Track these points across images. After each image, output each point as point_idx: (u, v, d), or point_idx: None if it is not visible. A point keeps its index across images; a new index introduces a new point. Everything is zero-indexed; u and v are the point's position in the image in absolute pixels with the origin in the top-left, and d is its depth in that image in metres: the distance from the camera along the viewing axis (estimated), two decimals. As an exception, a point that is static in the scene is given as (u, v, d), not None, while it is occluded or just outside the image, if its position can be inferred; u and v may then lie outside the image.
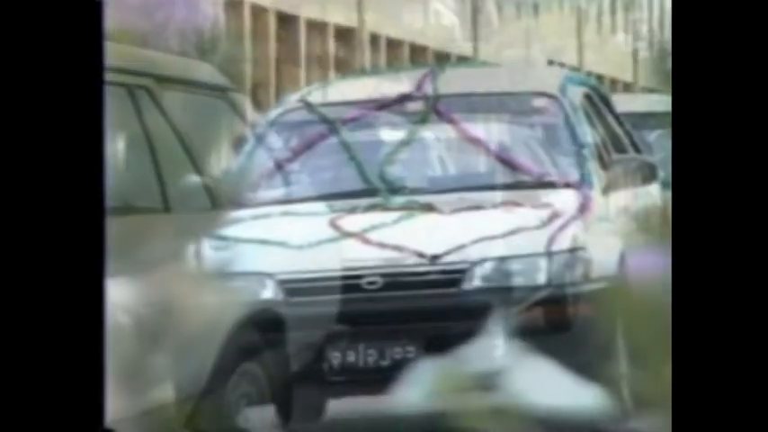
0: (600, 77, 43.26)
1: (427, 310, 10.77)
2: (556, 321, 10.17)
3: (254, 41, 39.04)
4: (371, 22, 41.94)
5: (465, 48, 43.86)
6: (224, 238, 9.88)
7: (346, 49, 41.25)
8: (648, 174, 12.80)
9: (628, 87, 45.22)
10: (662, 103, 21.42)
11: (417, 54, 41.94)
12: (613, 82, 45.97)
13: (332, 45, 41.23)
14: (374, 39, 41.95)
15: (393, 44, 43.07)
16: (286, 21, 40.31)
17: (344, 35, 41.67)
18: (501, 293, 10.52)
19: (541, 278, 10.80)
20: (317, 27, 40.60)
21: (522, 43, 43.21)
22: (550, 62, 43.01)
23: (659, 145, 18.08)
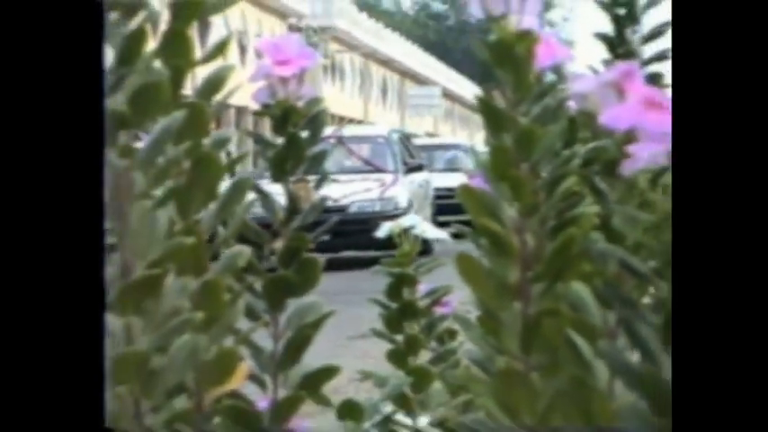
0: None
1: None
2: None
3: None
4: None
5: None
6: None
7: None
8: (420, 167, 17.30)
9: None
10: (443, 141, 24.56)
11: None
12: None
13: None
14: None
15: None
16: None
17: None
18: (362, 215, 14.90)
19: (378, 208, 15.22)
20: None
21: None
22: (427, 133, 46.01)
23: (446, 158, 21.65)
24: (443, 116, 55.32)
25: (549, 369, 1.11)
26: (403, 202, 15.75)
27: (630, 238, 1.00)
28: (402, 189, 16.02)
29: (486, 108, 1.10)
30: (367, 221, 14.29)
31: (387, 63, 49.78)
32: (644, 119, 1.00)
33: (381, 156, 16.73)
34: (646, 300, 1.05)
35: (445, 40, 67.02)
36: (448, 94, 55.69)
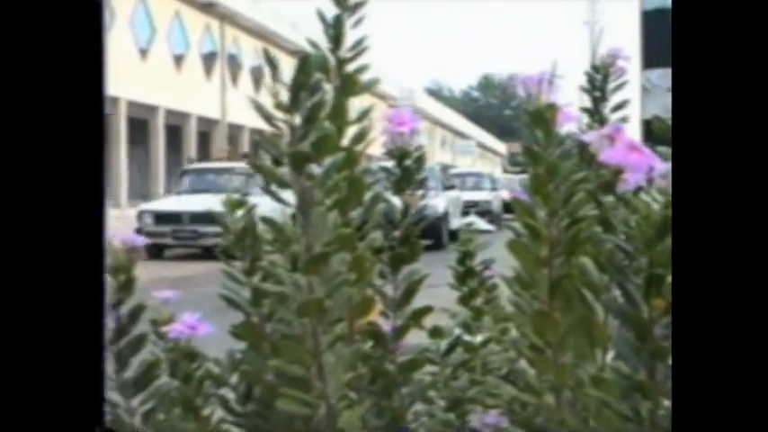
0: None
1: None
2: (440, 224, 13.06)
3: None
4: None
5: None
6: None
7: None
8: (452, 187, 16.56)
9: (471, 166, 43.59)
10: (471, 170, 22.63)
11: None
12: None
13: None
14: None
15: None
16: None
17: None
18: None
19: (427, 212, 14.44)
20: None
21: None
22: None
23: (473, 181, 20.40)
24: (478, 157, 57.98)
25: (566, 310, 1.13)
26: (440, 209, 14.89)
27: (620, 230, 1.02)
28: (440, 200, 15.19)
29: (528, 151, 1.14)
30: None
31: (444, 126, 52.88)
32: (629, 158, 1.02)
33: (431, 179, 16.00)
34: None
35: (479, 112, 73.67)
36: (480, 145, 59.74)
